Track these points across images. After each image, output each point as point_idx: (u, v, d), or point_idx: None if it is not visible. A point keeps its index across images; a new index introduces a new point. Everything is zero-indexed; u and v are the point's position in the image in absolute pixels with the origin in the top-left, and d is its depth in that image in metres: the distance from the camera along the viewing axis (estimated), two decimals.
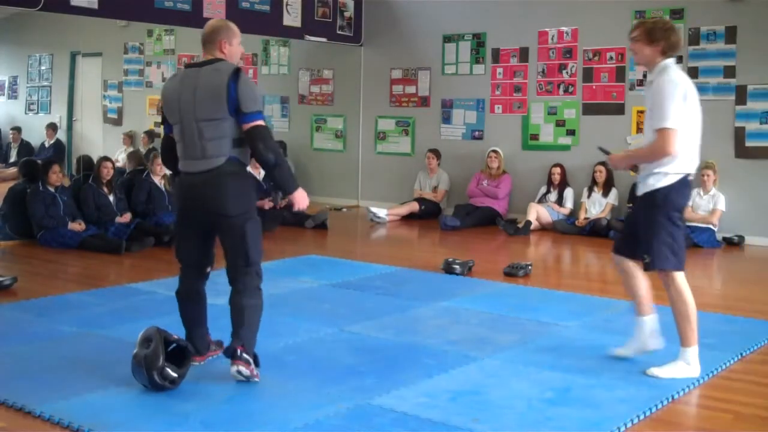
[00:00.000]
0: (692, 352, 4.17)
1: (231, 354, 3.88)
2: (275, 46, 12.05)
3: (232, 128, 3.91)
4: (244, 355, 3.87)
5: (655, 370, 4.17)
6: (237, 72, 3.92)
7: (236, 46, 4.11)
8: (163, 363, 3.74)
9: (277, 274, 6.70)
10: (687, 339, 4.17)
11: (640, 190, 4.20)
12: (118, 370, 4.02)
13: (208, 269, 4.19)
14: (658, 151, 4.05)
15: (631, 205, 8.91)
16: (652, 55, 4.17)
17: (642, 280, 4.30)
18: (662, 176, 4.09)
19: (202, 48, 4.13)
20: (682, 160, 4.09)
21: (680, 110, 4.04)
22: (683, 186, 4.15)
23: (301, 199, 4.12)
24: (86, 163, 9.24)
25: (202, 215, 4.02)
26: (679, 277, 4.15)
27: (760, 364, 4.49)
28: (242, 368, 3.87)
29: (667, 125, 3.99)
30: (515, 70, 10.07)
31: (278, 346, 4.60)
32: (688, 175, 4.16)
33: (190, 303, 4.20)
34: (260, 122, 3.92)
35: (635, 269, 4.29)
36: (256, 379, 3.93)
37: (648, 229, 4.14)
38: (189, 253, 4.18)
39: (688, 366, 4.16)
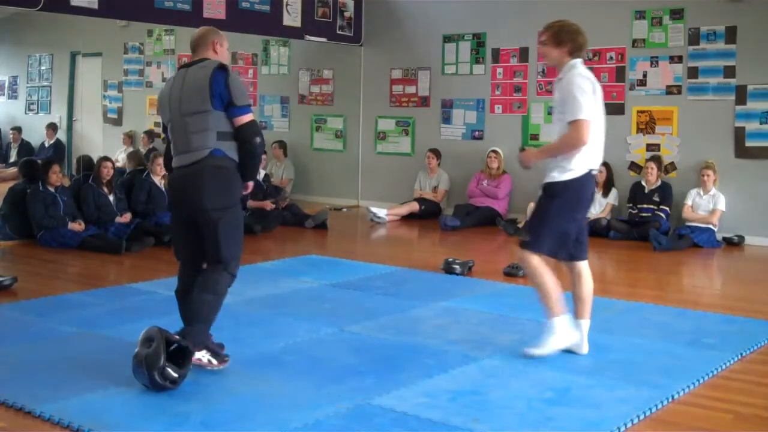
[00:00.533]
0: (558, 321, 4.36)
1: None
2: (275, 46, 12.05)
3: (216, 121, 3.98)
4: (203, 354, 4.04)
5: (533, 350, 4.38)
6: (222, 67, 4.02)
7: (226, 49, 4.25)
8: (164, 363, 3.75)
9: (277, 274, 6.71)
10: (551, 310, 4.37)
11: (545, 180, 4.35)
12: (118, 370, 4.02)
13: (205, 265, 4.19)
14: (572, 141, 4.20)
15: (631, 205, 8.93)
16: (560, 57, 4.38)
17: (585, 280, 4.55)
18: (566, 170, 4.25)
19: (192, 53, 4.22)
20: (585, 156, 4.26)
21: (591, 103, 4.22)
22: (586, 181, 4.31)
23: (250, 187, 4.28)
24: (86, 163, 9.23)
25: (186, 208, 4.10)
26: (530, 256, 4.36)
27: (760, 364, 4.49)
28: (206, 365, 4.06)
29: (580, 117, 4.17)
30: (515, 70, 10.07)
31: (278, 346, 4.60)
32: (591, 170, 4.33)
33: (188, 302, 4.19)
34: (250, 116, 4.06)
35: (581, 268, 4.53)
36: (220, 367, 4.09)
37: (541, 214, 4.35)
38: (183, 249, 4.24)
39: (556, 335, 4.36)
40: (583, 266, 4.58)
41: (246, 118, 4.01)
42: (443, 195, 10.35)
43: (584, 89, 4.23)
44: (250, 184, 4.26)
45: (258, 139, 4.03)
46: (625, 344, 4.74)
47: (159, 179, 8.58)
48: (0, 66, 12.44)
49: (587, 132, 4.19)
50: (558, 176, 4.28)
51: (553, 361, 4.40)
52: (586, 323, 4.51)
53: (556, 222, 4.31)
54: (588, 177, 4.32)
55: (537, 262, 4.37)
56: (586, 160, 4.28)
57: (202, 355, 4.07)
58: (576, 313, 4.49)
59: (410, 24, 10.91)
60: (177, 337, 3.96)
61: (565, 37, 4.40)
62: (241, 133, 4.00)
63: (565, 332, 4.40)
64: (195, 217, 4.08)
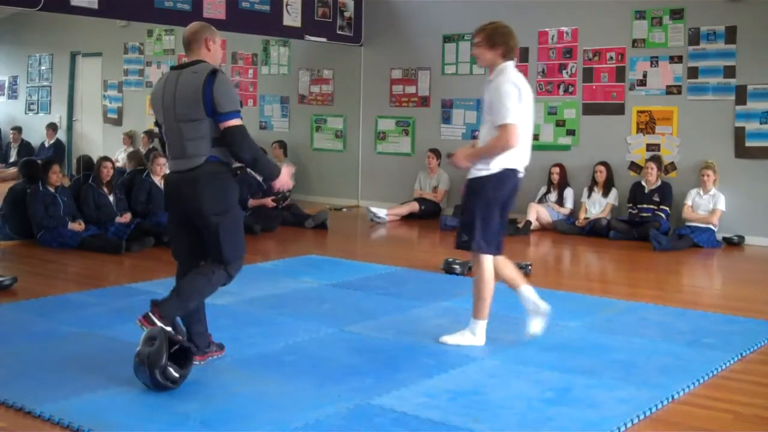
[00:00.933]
0: (481, 324, 4.61)
1: (149, 307, 3.98)
2: (275, 46, 12.05)
3: (210, 128, 4.00)
4: (153, 317, 3.94)
5: (446, 338, 4.62)
6: (213, 73, 4.01)
7: (219, 46, 4.23)
8: (166, 362, 3.75)
9: (277, 274, 6.71)
10: (479, 312, 4.59)
11: (468, 176, 4.54)
12: (118, 370, 4.02)
13: (202, 263, 4.21)
14: (501, 144, 4.38)
15: (631, 205, 8.93)
16: (493, 59, 4.53)
17: (506, 264, 4.68)
18: (484, 167, 4.45)
19: (185, 50, 4.21)
20: (508, 156, 4.43)
21: (518, 108, 4.39)
22: (504, 178, 4.49)
23: (283, 182, 4.24)
24: (86, 163, 9.24)
25: (184, 213, 4.13)
26: (487, 260, 4.53)
27: (760, 364, 4.49)
28: (143, 324, 3.94)
29: (509, 121, 4.34)
30: None
31: (278, 346, 4.60)
32: (513, 170, 4.52)
33: None
34: (236, 122, 4.01)
35: (497, 257, 4.62)
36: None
37: (468, 212, 4.53)
38: (180, 250, 4.28)
39: (474, 336, 4.60)
40: (498, 261, 4.67)
41: (229, 123, 3.98)
42: (443, 195, 10.36)
43: (511, 94, 4.38)
44: (278, 183, 4.21)
45: (235, 147, 3.99)
46: (625, 344, 4.74)
47: (159, 179, 8.57)
48: (0, 66, 12.44)
49: (515, 135, 4.36)
50: (478, 172, 4.47)
51: (553, 361, 4.40)
52: (484, 324, 4.68)
53: (484, 218, 4.50)
54: (509, 174, 4.50)
55: (488, 265, 4.55)
56: (509, 159, 4.45)
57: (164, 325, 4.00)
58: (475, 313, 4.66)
59: (410, 24, 10.91)
60: (180, 337, 3.97)
61: (498, 40, 4.53)
62: (225, 138, 4.01)
63: (480, 335, 4.62)
64: (193, 220, 4.11)
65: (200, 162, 4.02)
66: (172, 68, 4.26)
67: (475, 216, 4.49)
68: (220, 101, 3.96)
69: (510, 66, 4.52)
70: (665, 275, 7.11)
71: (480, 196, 4.48)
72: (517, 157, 4.50)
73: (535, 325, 4.65)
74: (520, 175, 4.56)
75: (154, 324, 3.92)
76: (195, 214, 4.07)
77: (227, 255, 4.08)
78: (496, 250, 4.58)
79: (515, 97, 4.39)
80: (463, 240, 4.54)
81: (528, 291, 4.66)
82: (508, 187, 4.54)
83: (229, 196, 4.11)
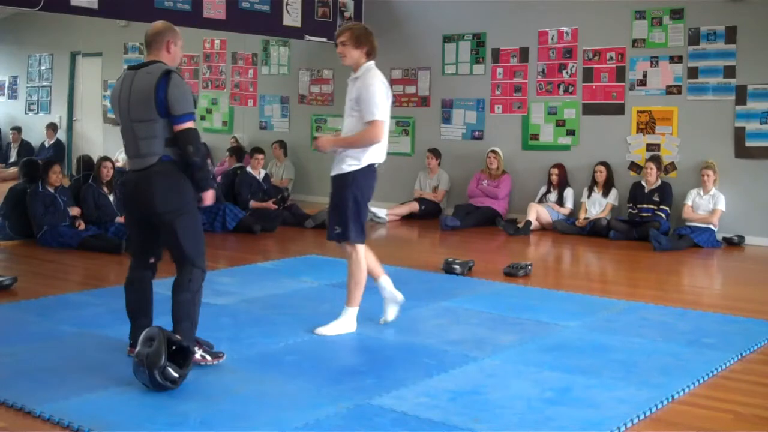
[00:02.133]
0: (353, 312, 4.88)
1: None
2: (275, 46, 12.05)
3: (163, 129, 4.07)
4: (196, 351, 4.13)
5: (321, 330, 4.80)
6: (167, 74, 4.06)
7: (179, 48, 4.30)
8: (165, 362, 3.75)
9: (277, 274, 6.71)
10: (354, 300, 4.86)
11: (333, 172, 4.83)
12: (118, 370, 4.03)
13: (152, 260, 4.35)
14: (369, 137, 4.68)
15: (631, 205, 8.93)
16: (358, 57, 4.75)
17: (369, 254, 4.94)
18: (354, 163, 4.73)
19: (146, 49, 4.28)
20: (371, 151, 4.74)
21: (385, 106, 4.72)
22: (370, 172, 4.80)
23: (209, 198, 4.29)
24: (86, 163, 9.23)
25: (139, 211, 4.24)
26: (360, 249, 4.83)
27: (760, 364, 4.49)
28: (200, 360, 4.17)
29: (378, 118, 4.66)
30: (515, 70, 10.07)
31: (278, 346, 4.60)
32: (375, 164, 4.82)
33: (133, 292, 4.35)
34: (188, 124, 4.07)
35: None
36: (214, 362, 4.21)
37: (340, 206, 4.80)
38: (134, 244, 4.46)
39: (348, 323, 4.86)
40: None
41: (182, 126, 4.05)
42: (443, 195, 10.35)
43: (380, 92, 4.69)
44: (208, 195, 4.24)
45: (190, 148, 4.04)
46: (625, 344, 4.74)
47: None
48: (0, 66, 12.44)
49: (382, 131, 4.70)
50: (347, 168, 4.74)
51: (553, 361, 4.40)
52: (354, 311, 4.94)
53: (356, 210, 4.78)
54: (373, 168, 4.83)
55: (363, 254, 4.84)
56: (372, 155, 4.76)
57: (206, 359, 4.21)
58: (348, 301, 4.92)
59: (410, 24, 10.91)
60: (178, 337, 3.97)
61: (364, 40, 4.74)
62: (178, 140, 4.08)
63: (353, 322, 4.88)
64: (149, 219, 4.20)
65: (153, 161, 4.10)
66: (129, 68, 4.31)
67: (348, 209, 4.77)
68: (174, 104, 4.03)
69: (374, 65, 4.81)
70: (665, 275, 7.11)
71: (351, 189, 4.76)
72: (379, 152, 4.81)
73: (391, 313, 5.05)
74: (376, 167, 4.89)
75: (202, 357, 4.20)
76: (149, 213, 4.16)
77: (189, 252, 4.16)
78: (365, 239, 4.89)
79: (383, 95, 4.71)
80: (336, 232, 4.82)
81: (386, 281, 5.03)
82: (374, 179, 4.86)
83: (182, 194, 4.16)
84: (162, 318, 4.52)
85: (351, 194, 4.76)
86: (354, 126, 4.73)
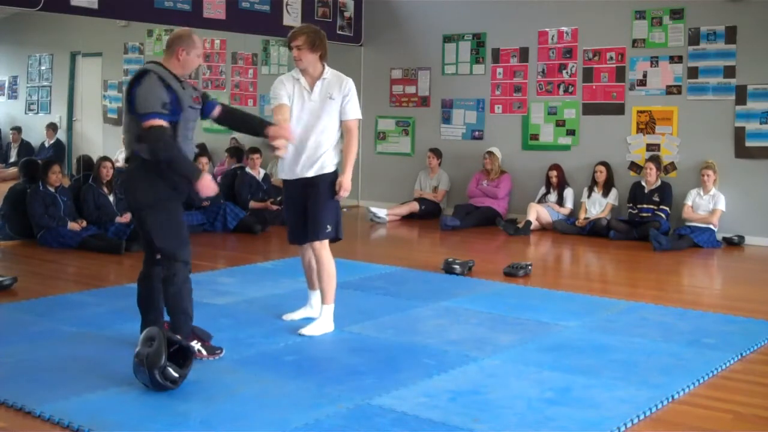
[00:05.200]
0: (331, 309, 4.91)
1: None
2: (275, 46, 12.05)
3: (135, 125, 4.18)
4: (193, 346, 4.17)
5: (305, 330, 4.82)
6: (142, 74, 4.19)
7: (194, 58, 4.34)
8: (165, 362, 3.75)
9: (277, 274, 6.71)
10: (330, 297, 4.89)
11: (308, 174, 4.82)
12: (118, 370, 4.03)
13: (158, 255, 4.39)
14: (356, 139, 4.89)
15: (631, 205, 8.93)
16: (314, 60, 4.82)
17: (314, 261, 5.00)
18: (335, 161, 4.87)
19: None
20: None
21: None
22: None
23: (204, 187, 4.21)
24: (86, 163, 9.23)
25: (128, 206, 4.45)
26: (327, 244, 4.90)
27: (760, 364, 4.49)
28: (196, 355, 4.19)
29: (359, 117, 4.93)
30: (515, 70, 10.07)
31: (278, 346, 4.60)
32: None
33: (143, 287, 4.45)
34: (150, 122, 4.11)
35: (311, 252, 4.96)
36: (210, 358, 4.27)
37: (329, 205, 4.85)
38: (141, 240, 4.52)
39: (329, 322, 4.89)
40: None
41: (144, 124, 4.12)
42: (443, 195, 10.35)
43: (355, 94, 4.90)
44: (203, 184, 4.18)
45: (149, 147, 4.10)
46: (625, 344, 4.74)
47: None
48: (0, 66, 12.44)
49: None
50: (332, 167, 4.86)
51: (553, 361, 4.40)
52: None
53: (337, 207, 4.94)
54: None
55: (329, 251, 4.89)
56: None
57: (203, 355, 4.24)
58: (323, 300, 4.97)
59: (410, 24, 10.91)
60: (178, 337, 3.97)
61: (318, 43, 4.80)
62: (142, 139, 4.18)
63: (331, 320, 4.92)
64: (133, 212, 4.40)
65: (131, 155, 4.27)
66: None
67: (337, 207, 4.91)
68: (137, 102, 4.13)
69: (328, 67, 4.93)
70: (665, 275, 7.11)
71: (331, 189, 4.83)
72: None
73: (313, 331, 4.88)
74: None
75: (199, 351, 4.25)
76: (130, 208, 4.40)
77: (163, 246, 4.25)
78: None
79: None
80: (327, 231, 4.83)
81: (332, 309, 4.98)
82: None
83: (151, 190, 4.23)
84: (165, 318, 4.53)
85: (332, 192, 4.84)
86: (330, 124, 4.82)
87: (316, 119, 4.81)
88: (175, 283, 4.24)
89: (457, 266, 6.71)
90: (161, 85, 4.14)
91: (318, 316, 4.97)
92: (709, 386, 4.09)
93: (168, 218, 4.28)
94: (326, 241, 4.86)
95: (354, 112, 4.87)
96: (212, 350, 4.35)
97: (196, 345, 4.24)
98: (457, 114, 10.55)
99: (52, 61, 11.93)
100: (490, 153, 9.86)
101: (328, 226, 4.83)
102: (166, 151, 4.12)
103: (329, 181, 4.83)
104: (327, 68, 4.88)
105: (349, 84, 4.87)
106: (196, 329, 4.37)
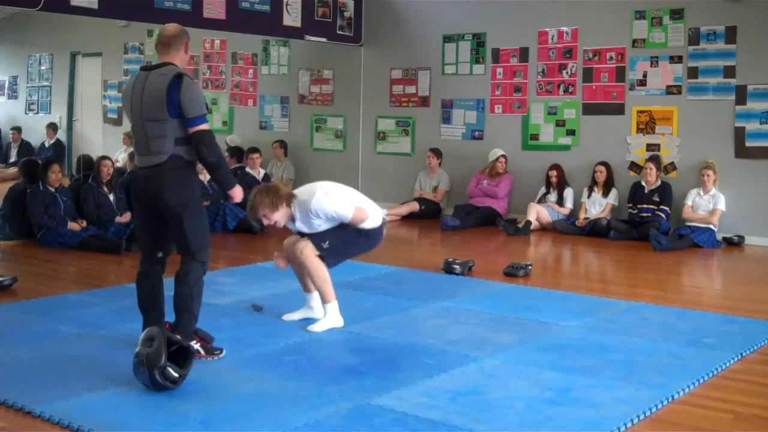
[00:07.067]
0: (335, 305, 4.99)
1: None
2: (275, 46, 12.05)
3: (174, 129, 4.19)
4: (192, 345, 4.20)
5: (313, 327, 4.92)
6: (179, 77, 4.18)
7: (189, 51, 4.43)
8: (165, 362, 3.75)
9: (277, 274, 6.69)
10: (329, 296, 4.97)
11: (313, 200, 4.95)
12: (118, 370, 4.03)
13: (160, 254, 4.44)
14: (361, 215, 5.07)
15: (631, 205, 8.93)
16: (285, 214, 5.00)
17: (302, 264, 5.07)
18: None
19: (161, 49, 4.35)
20: None
21: None
22: None
23: (237, 194, 4.45)
24: (86, 163, 9.24)
25: (148, 205, 4.34)
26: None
27: (760, 364, 4.49)
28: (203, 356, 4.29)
29: (352, 209, 5.02)
30: (515, 70, 10.07)
31: (278, 346, 4.61)
32: None
33: (144, 286, 4.45)
34: (202, 126, 4.20)
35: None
36: (208, 359, 4.28)
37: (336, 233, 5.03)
38: (142, 239, 4.55)
39: (335, 318, 4.98)
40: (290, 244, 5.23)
41: (195, 128, 4.18)
42: (443, 195, 10.36)
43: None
44: (235, 192, 4.42)
45: (204, 149, 4.18)
46: (625, 344, 4.74)
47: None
48: (0, 66, 12.45)
49: None
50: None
51: (553, 361, 4.40)
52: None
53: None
54: None
55: (315, 257, 4.99)
56: None
57: (192, 344, 4.23)
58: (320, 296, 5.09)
59: (410, 24, 10.91)
60: (178, 337, 3.98)
61: (276, 201, 4.92)
62: (192, 142, 4.21)
63: (339, 316, 5.00)
64: (158, 213, 4.31)
65: (163, 159, 4.22)
66: (142, 68, 4.41)
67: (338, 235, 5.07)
68: (187, 106, 4.14)
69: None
70: (665, 275, 7.11)
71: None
72: None
73: (319, 328, 4.96)
74: None
75: (197, 351, 4.26)
76: (159, 206, 4.27)
77: (192, 244, 4.27)
78: None
79: None
80: (324, 247, 5.00)
81: (336, 306, 5.06)
82: None
83: (191, 189, 4.31)
84: (165, 318, 4.53)
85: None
86: (323, 225, 5.04)
87: (313, 230, 5.08)
88: (187, 283, 4.27)
89: (457, 266, 6.71)
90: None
91: (322, 316, 5.02)
92: (709, 386, 4.09)
93: (202, 218, 4.38)
94: (312, 251, 4.95)
95: (346, 209, 5.00)
96: (211, 351, 4.35)
97: (195, 344, 4.25)
98: (457, 114, 10.55)
99: (52, 61, 11.95)
100: (505, 156, 9.83)
101: (327, 242, 5.00)
102: (217, 154, 4.25)
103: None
104: (294, 205, 4.99)
105: (316, 205, 4.93)
106: (199, 331, 4.38)
